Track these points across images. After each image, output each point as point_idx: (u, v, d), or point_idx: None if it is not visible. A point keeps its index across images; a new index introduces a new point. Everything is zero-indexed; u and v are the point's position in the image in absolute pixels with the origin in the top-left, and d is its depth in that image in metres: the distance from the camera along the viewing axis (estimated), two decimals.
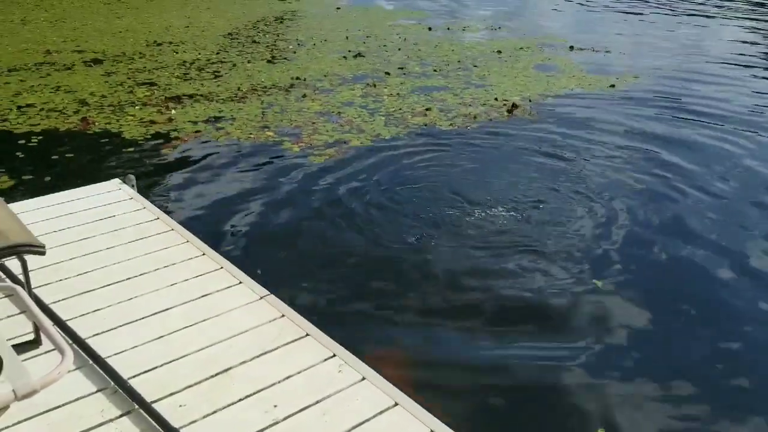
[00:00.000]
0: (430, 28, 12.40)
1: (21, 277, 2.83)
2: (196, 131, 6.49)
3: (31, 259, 2.57)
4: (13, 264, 2.98)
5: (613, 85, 8.51)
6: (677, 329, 3.66)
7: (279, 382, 2.38)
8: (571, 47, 10.82)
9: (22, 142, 6.13)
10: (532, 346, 3.44)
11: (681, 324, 3.71)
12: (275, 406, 2.26)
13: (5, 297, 2.81)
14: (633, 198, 5.23)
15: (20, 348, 2.44)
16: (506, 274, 4.07)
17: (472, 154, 6.08)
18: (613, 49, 10.85)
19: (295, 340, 2.59)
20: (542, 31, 12.55)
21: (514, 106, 7.34)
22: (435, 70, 9.07)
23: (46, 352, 2.49)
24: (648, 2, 16.67)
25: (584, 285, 3.98)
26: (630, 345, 3.51)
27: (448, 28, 12.51)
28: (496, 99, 7.68)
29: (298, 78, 8.52)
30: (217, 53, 9.88)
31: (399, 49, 10.43)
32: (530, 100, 7.70)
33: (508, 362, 3.30)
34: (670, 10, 15.53)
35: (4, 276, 3.00)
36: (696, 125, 7.13)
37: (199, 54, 9.80)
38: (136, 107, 7.18)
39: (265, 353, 2.51)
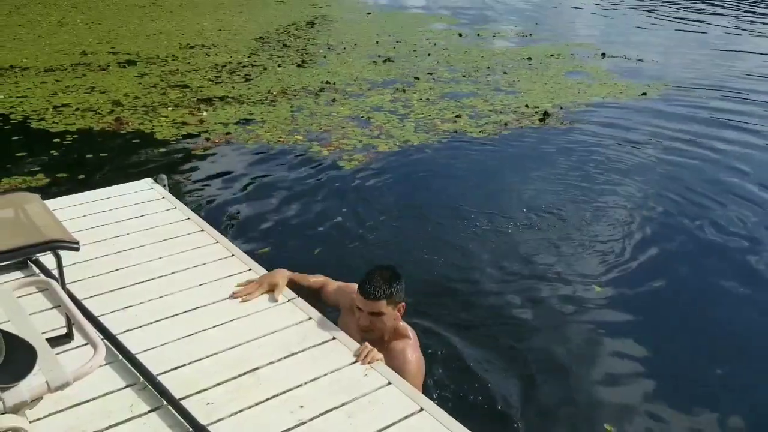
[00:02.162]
0: (460, 34, 12.40)
1: (55, 272, 2.89)
2: (227, 133, 6.55)
3: (64, 255, 2.62)
4: (46, 259, 3.05)
5: (645, 93, 8.41)
6: (685, 333, 3.66)
7: (305, 383, 2.38)
8: (603, 54, 10.73)
9: (58, 140, 6.25)
10: (540, 346, 3.44)
11: (688, 329, 3.71)
12: (301, 406, 2.27)
13: (39, 291, 2.85)
14: (666, 209, 5.17)
15: (52, 342, 2.48)
16: (529, 277, 4.09)
17: (503, 162, 6.05)
18: (645, 56, 10.74)
19: (322, 343, 2.60)
20: (573, 38, 12.47)
21: (546, 114, 7.28)
22: (464, 76, 9.06)
23: (77, 347, 2.52)
24: (681, 9, 16.46)
25: (589, 289, 4.01)
26: (637, 348, 3.52)
27: (479, 34, 12.49)
28: (527, 106, 7.64)
29: (327, 82, 8.58)
30: (249, 56, 9.99)
31: (429, 55, 10.44)
32: (561, 108, 7.64)
33: (517, 361, 3.32)
34: (703, 17, 15.31)
35: (38, 270, 3.06)
36: (729, 134, 7.01)
37: (231, 57, 9.92)
38: (169, 108, 7.29)
39: (292, 355, 2.51)
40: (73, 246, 2.51)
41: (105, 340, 2.52)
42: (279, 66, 9.43)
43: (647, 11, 16.32)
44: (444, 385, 3.03)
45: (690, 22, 14.89)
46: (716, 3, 17.52)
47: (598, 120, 7.29)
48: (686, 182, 5.70)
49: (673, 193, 5.48)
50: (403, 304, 2.69)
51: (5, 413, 1.67)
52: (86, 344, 2.45)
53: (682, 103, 8.14)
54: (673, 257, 4.47)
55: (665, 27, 14.23)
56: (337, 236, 4.58)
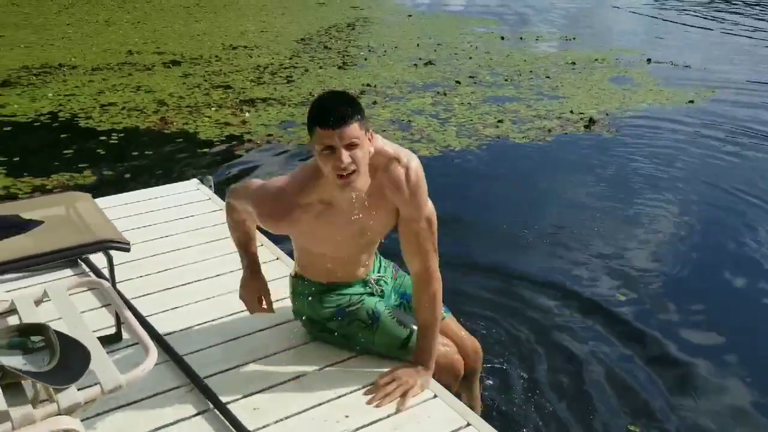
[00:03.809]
0: (502, 37, 12.28)
1: (104, 271, 2.92)
2: (269, 134, 6.59)
3: (113, 254, 2.64)
4: (94, 256, 3.08)
5: (692, 101, 8.21)
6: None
7: (351, 392, 2.35)
8: (649, 60, 10.51)
9: (104, 138, 6.36)
10: (582, 357, 3.38)
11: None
12: (347, 416, 2.24)
13: (88, 290, 2.88)
14: (715, 221, 5.03)
15: (102, 342, 2.51)
16: (570, 285, 4.01)
17: (547, 169, 5.92)
18: (693, 62, 10.48)
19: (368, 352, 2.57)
20: (618, 43, 12.25)
21: (592, 120, 7.14)
22: (506, 80, 8.96)
23: (125, 347, 2.54)
24: (730, 15, 16.06)
25: (611, 294, 3.95)
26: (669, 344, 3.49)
27: (521, 38, 12.35)
28: (571, 112, 7.50)
29: (368, 84, 8.57)
30: (290, 58, 10.05)
31: (470, 58, 10.36)
32: (607, 114, 7.49)
33: (562, 372, 3.27)
34: (753, 22, 14.89)
35: (87, 269, 3.10)
36: None
37: (273, 58, 9.98)
38: (212, 109, 7.36)
39: (338, 363, 2.49)
40: (125, 246, 2.53)
41: (153, 341, 2.53)
42: (320, 68, 9.46)
43: (695, 15, 15.96)
44: (490, 400, 2.98)
45: (741, 25, 14.50)
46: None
47: (645, 128, 7.12)
48: (736, 193, 5.53)
49: (724, 204, 5.34)
50: (372, 131, 2.12)
51: (60, 414, 1.67)
52: (134, 344, 2.48)
53: (731, 111, 7.91)
54: (715, 270, 4.33)
55: (714, 31, 13.88)
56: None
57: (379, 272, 2.56)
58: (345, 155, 1.97)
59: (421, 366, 2.36)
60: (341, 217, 2.20)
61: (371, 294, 2.48)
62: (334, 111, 1.96)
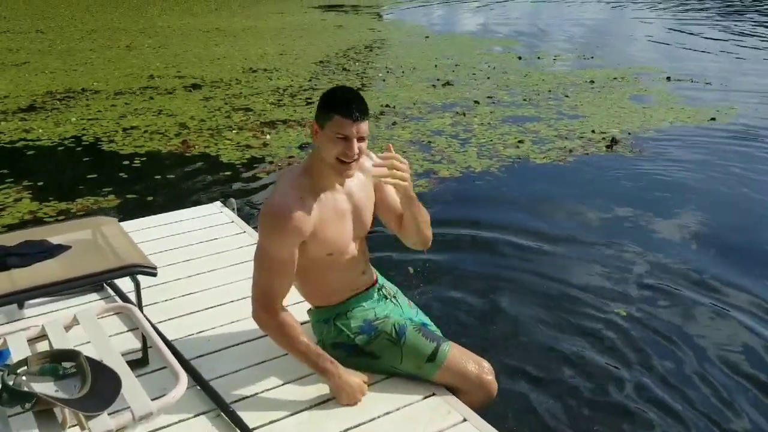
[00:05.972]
0: (519, 57, 12.31)
1: (130, 295, 2.93)
2: (290, 156, 6.62)
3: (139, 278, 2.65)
4: (121, 280, 3.09)
5: (713, 118, 8.14)
6: None
7: (378, 417, 2.33)
8: (668, 77, 10.46)
9: (127, 162, 6.43)
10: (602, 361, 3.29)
11: None
12: None
13: (114, 314, 2.89)
14: (742, 245, 4.93)
15: (129, 366, 2.50)
16: (590, 311, 3.92)
17: (569, 191, 5.82)
18: (713, 79, 10.41)
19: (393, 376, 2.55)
20: (637, 60, 12.22)
21: (614, 140, 7.08)
22: (525, 100, 8.96)
23: (152, 371, 2.53)
24: (748, 29, 15.97)
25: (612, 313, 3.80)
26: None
27: (539, 57, 12.37)
28: (593, 131, 7.45)
29: (387, 105, 8.61)
30: (309, 80, 10.14)
31: (488, 78, 10.38)
32: (629, 134, 7.43)
33: (582, 394, 3.16)
34: None
35: (113, 293, 3.12)
36: None
37: (292, 81, 10.08)
38: (233, 131, 7.42)
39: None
40: (151, 271, 2.54)
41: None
42: None
43: (712, 29, 15.88)
44: (515, 423, 2.93)
45: (760, 39, 14.41)
46: None
47: (668, 147, 7.03)
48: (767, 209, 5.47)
49: (755, 222, 5.26)
50: None
51: None
52: (161, 369, 2.47)
53: (753, 128, 7.82)
54: (753, 287, 4.24)
55: (732, 46, 13.80)
56: (406, 267, 4.49)
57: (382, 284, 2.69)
58: (356, 146, 2.21)
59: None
60: (341, 202, 2.39)
61: (388, 301, 2.59)
62: (357, 106, 2.20)
